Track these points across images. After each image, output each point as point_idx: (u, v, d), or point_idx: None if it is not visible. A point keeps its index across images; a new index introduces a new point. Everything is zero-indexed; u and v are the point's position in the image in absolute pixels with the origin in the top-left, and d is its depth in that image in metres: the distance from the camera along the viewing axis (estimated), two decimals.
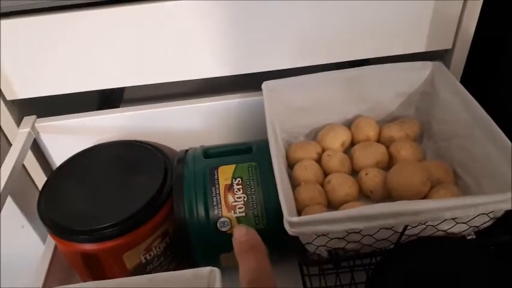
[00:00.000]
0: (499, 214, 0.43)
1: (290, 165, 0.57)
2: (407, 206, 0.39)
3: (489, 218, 0.42)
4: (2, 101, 0.56)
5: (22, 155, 0.55)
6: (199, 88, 0.72)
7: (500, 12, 0.57)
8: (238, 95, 0.60)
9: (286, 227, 0.40)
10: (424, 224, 0.41)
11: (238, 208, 0.50)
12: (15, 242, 0.63)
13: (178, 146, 0.62)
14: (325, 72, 0.58)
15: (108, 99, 0.76)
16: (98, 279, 0.37)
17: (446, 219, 0.41)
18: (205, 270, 0.34)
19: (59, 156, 0.61)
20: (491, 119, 0.47)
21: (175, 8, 0.52)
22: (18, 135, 0.57)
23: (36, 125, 0.59)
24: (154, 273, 0.42)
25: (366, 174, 0.52)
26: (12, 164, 0.52)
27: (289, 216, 0.39)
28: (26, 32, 0.51)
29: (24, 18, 0.50)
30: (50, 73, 0.55)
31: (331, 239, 0.42)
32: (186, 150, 0.57)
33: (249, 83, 0.60)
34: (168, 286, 0.35)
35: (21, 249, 0.62)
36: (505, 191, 0.39)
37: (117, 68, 0.56)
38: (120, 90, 0.78)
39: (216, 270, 0.34)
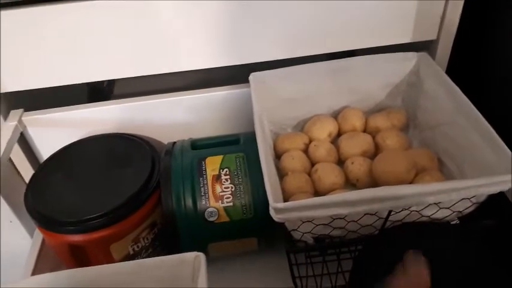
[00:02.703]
0: (482, 199, 0.43)
1: (278, 156, 0.57)
2: (391, 191, 0.39)
3: (471, 203, 0.43)
4: None
5: (9, 148, 0.55)
6: (189, 84, 0.72)
7: (484, 3, 0.58)
8: (226, 87, 0.60)
9: (272, 213, 0.40)
10: (407, 209, 0.42)
11: (226, 198, 0.50)
12: (3, 237, 0.62)
13: (166, 138, 0.62)
14: (312, 64, 0.58)
15: (98, 94, 0.76)
16: None
17: (429, 205, 0.41)
18: (191, 255, 0.35)
19: (46, 149, 0.61)
20: (474, 107, 0.48)
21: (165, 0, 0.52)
22: (5, 129, 0.56)
23: (23, 118, 0.58)
24: None
25: (352, 163, 0.52)
26: None
27: (274, 203, 0.39)
28: (13, 25, 0.51)
29: (12, 10, 0.50)
30: (37, 66, 0.55)
31: (317, 225, 0.42)
32: (174, 143, 0.57)
33: (236, 78, 0.60)
34: (154, 271, 0.35)
35: (9, 243, 0.62)
36: (486, 176, 0.40)
37: (106, 61, 0.56)
38: (110, 85, 0.78)
39: (201, 256, 0.35)
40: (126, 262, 0.36)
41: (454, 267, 0.40)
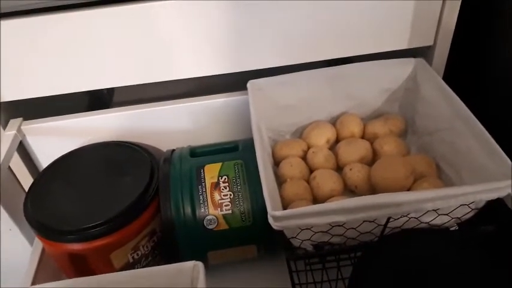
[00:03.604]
0: (480, 205, 0.43)
1: (276, 163, 0.57)
2: (389, 198, 0.39)
3: (470, 209, 0.43)
4: None
5: (8, 157, 0.55)
6: (188, 90, 0.72)
7: (480, 9, 0.59)
8: (225, 94, 0.61)
9: (270, 221, 0.40)
10: (406, 216, 0.42)
11: (225, 206, 0.50)
12: (2, 245, 0.62)
13: (166, 146, 0.62)
14: (310, 71, 0.58)
15: (98, 102, 0.76)
16: None
17: (428, 211, 0.41)
18: (189, 264, 0.35)
19: (45, 158, 0.61)
20: (471, 113, 0.48)
21: (163, 8, 0.52)
22: (4, 138, 0.56)
23: (22, 127, 0.59)
24: None
25: (350, 169, 0.52)
26: None
27: (272, 211, 0.40)
28: (11, 34, 0.51)
29: (10, 20, 0.50)
30: (35, 75, 0.55)
31: (315, 232, 0.42)
32: (173, 150, 0.57)
33: (234, 85, 0.60)
34: (153, 280, 0.35)
35: (8, 252, 0.62)
36: (484, 182, 0.40)
37: (104, 70, 0.56)
38: (110, 93, 0.78)
39: (200, 265, 0.35)
40: (125, 271, 0.36)
41: (453, 273, 0.40)
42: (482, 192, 0.40)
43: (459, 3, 0.55)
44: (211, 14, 0.53)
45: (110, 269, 0.50)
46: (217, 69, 0.58)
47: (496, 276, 0.41)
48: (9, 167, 0.58)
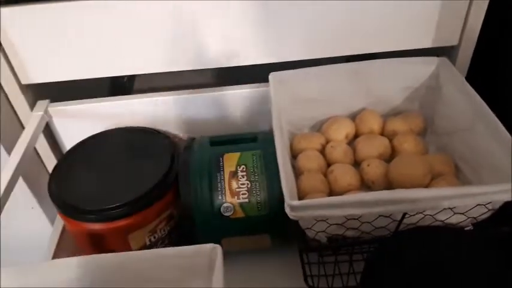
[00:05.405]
0: (497, 206, 0.43)
1: (294, 155, 0.58)
2: (406, 193, 0.40)
3: (487, 210, 0.43)
4: (17, 85, 0.58)
5: (34, 138, 0.57)
6: (209, 81, 0.73)
7: (506, 9, 0.58)
8: (246, 85, 0.61)
9: (287, 210, 0.41)
10: (422, 213, 0.42)
11: (242, 194, 0.51)
12: (25, 223, 0.64)
13: (186, 134, 0.63)
14: (332, 65, 0.59)
15: (119, 88, 0.78)
16: None
17: (444, 209, 0.42)
18: (207, 246, 0.36)
19: (69, 140, 0.62)
20: (493, 114, 0.48)
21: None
22: (32, 119, 0.58)
23: (49, 109, 0.60)
24: None
25: (368, 165, 0.52)
26: (25, 146, 0.54)
27: (290, 200, 0.40)
28: (41, 19, 0.53)
29: (40, 4, 0.52)
30: (63, 59, 0.57)
31: (331, 224, 0.43)
32: (193, 138, 0.58)
33: (256, 77, 0.61)
34: (171, 260, 0.36)
35: (30, 229, 0.64)
36: (502, 183, 0.40)
37: (129, 56, 0.57)
38: (130, 80, 0.80)
39: (218, 247, 0.36)
40: (146, 250, 0.37)
41: (465, 274, 0.40)
42: (500, 193, 0.40)
43: (487, 3, 0.54)
44: (236, 6, 0.54)
45: (128, 250, 0.52)
46: (240, 60, 0.59)
47: (509, 278, 0.41)
48: (34, 147, 0.60)
